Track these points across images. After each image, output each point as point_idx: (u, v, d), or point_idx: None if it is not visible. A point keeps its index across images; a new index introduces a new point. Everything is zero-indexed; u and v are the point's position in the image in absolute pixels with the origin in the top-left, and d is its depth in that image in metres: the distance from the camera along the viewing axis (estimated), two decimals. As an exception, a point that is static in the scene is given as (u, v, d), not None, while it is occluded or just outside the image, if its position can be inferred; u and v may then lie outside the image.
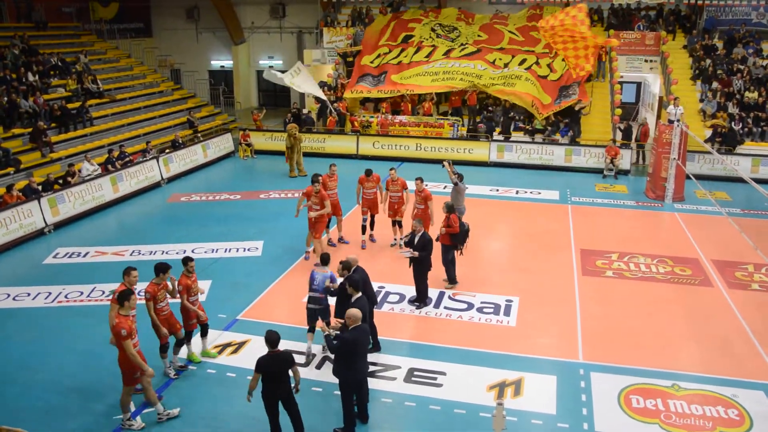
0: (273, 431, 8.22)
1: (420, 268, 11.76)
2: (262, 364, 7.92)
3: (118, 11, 33.65)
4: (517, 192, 20.01)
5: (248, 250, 14.83)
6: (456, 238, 12.48)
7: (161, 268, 9.52)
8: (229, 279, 13.05)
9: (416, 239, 11.72)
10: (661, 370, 10.06)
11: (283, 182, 21.49)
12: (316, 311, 10.07)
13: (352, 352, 8.17)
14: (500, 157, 23.52)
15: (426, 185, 14.33)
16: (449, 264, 12.60)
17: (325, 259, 9.88)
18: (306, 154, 24.54)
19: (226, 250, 14.83)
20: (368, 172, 15.05)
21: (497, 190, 20.17)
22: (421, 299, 11.97)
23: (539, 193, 19.84)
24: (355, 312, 8.31)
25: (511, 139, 24.07)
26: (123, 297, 8.60)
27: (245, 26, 35.30)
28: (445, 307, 12.01)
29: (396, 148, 24.63)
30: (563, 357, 10.43)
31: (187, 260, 9.67)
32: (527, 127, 24.70)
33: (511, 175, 22.17)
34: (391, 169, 15.05)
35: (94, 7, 32.77)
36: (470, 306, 12.06)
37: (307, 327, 10.25)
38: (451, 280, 12.68)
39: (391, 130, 25.19)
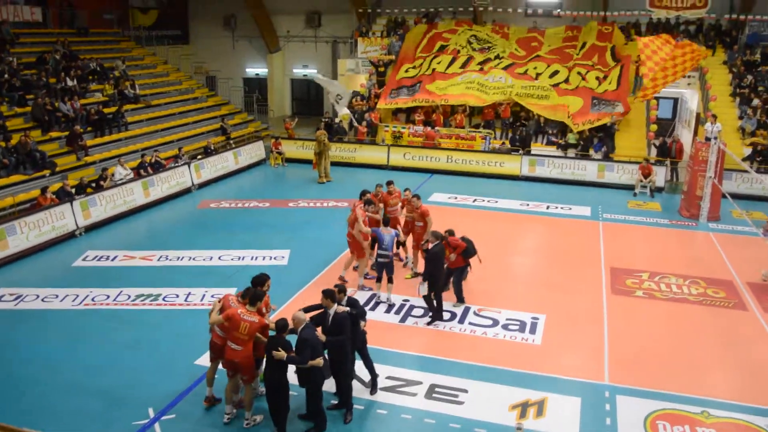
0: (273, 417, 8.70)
1: (430, 282, 11.64)
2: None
3: (157, 18, 34.27)
4: (547, 207, 19.78)
5: (274, 258, 14.78)
6: (468, 253, 12.36)
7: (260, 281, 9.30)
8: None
9: (430, 250, 11.64)
10: (691, 396, 9.74)
11: (312, 190, 21.51)
12: (383, 264, 12.27)
13: (316, 346, 8.41)
14: (532, 171, 23.29)
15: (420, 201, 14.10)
16: (459, 285, 12.51)
17: (281, 326, 8.63)
18: (336, 164, 24.60)
19: (252, 258, 14.77)
20: (389, 185, 14.72)
21: (527, 205, 19.95)
22: (437, 316, 11.83)
23: (570, 209, 19.59)
24: (297, 314, 8.61)
25: (543, 153, 23.79)
26: (257, 298, 8.84)
27: (281, 35, 35.65)
28: (470, 323, 11.85)
29: (426, 160, 24.54)
30: (589, 378, 10.18)
31: (265, 278, 9.49)
32: (560, 141, 24.40)
33: (543, 190, 21.96)
34: (388, 183, 14.72)
35: (134, 14, 33.42)
36: (495, 322, 11.88)
37: (377, 277, 12.49)
38: (461, 299, 12.57)
39: (440, 143, 25.13)
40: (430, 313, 11.89)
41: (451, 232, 12.25)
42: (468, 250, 12.34)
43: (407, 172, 24.26)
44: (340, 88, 26.37)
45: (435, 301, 11.73)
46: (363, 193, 13.75)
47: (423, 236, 13.52)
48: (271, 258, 14.88)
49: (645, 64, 20.20)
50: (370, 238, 13.05)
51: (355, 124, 26.41)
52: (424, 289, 11.56)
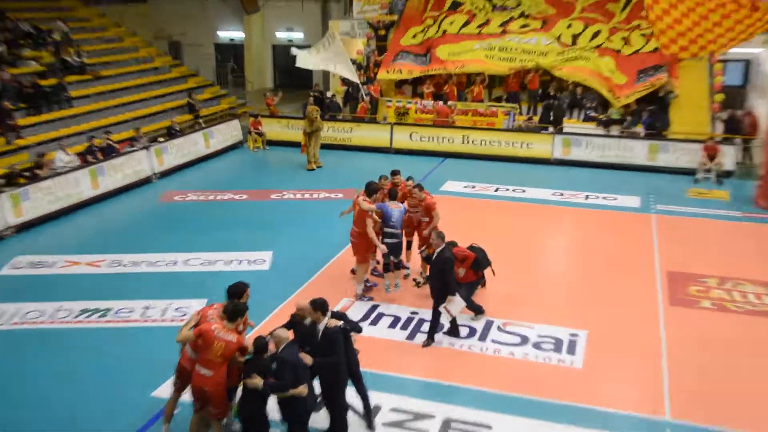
0: None
1: (440, 293, 11.43)
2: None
3: (109, -29, 33.99)
4: (586, 197, 19.63)
5: (254, 262, 14.74)
6: (478, 265, 12.30)
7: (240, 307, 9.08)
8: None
9: (434, 256, 11.41)
10: (774, 434, 9.47)
11: (299, 179, 21.40)
12: (391, 246, 12.77)
13: (298, 369, 8.28)
14: (566, 153, 23.18)
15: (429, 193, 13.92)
16: (470, 300, 12.35)
17: (260, 347, 8.49)
18: (328, 147, 24.51)
19: (226, 262, 14.75)
20: (394, 175, 14.36)
21: (561, 195, 19.82)
22: (431, 336, 11.68)
23: (615, 199, 19.44)
24: (279, 332, 8.51)
25: (580, 132, 23.65)
26: (238, 312, 8.67)
27: (260, -9, 35.45)
28: (494, 341, 11.63)
29: (438, 141, 24.47)
30: (644, 412, 9.90)
31: (243, 287, 9.27)
32: (601, 116, 24.19)
33: (580, 176, 21.80)
34: (393, 174, 14.39)
35: (80, -33, 33.16)
36: (524, 340, 11.68)
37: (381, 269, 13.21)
38: (478, 311, 12.42)
39: (454, 120, 24.99)
40: (448, 330, 11.74)
41: (453, 244, 12.12)
42: (479, 261, 12.30)
43: (414, 156, 24.12)
44: (342, 62, 25.75)
45: (432, 319, 11.58)
46: (369, 186, 13.39)
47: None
48: (249, 262, 14.75)
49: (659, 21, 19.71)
50: (377, 223, 12.98)
51: (364, 95, 26.24)
52: (457, 306, 11.32)
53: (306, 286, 13.56)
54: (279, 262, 14.82)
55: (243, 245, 15.72)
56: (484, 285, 12.87)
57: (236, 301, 8.89)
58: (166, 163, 22.03)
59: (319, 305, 8.86)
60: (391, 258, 13.05)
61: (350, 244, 13.44)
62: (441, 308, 11.30)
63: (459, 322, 12.00)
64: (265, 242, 15.92)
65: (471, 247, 12.41)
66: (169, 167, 22.11)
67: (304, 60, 25.20)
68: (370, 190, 13.18)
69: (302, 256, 15.06)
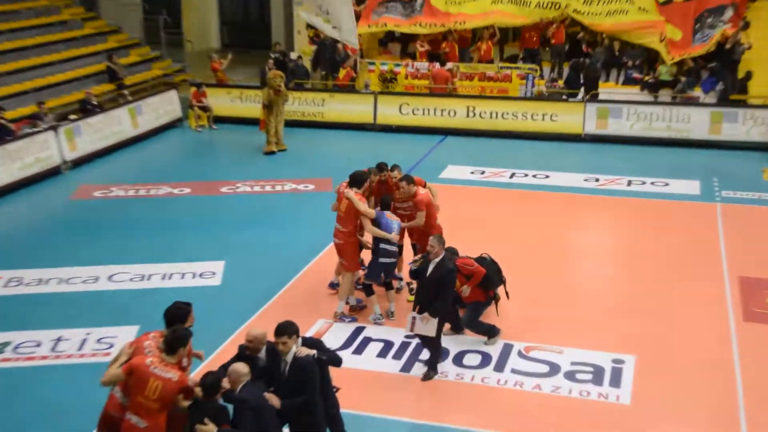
0: None
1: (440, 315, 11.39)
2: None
3: None
4: (629, 183, 19.77)
5: (200, 276, 14.82)
6: (489, 283, 12.22)
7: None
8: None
9: (430, 268, 11.30)
10: None
11: (257, 167, 21.40)
12: (389, 266, 13.06)
13: (263, 412, 8.18)
14: (602, 127, 23.36)
15: (424, 186, 13.79)
16: (476, 323, 12.38)
17: (211, 386, 8.85)
18: (295, 123, 24.51)
19: (164, 276, 14.81)
20: (381, 171, 14.29)
21: (596, 180, 19.97)
22: (433, 366, 11.65)
23: (666, 185, 19.59)
24: (236, 367, 8.39)
25: (619, 99, 23.76)
26: (179, 341, 8.45)
27: None
28: (514, 371, 11.65)
29: (435, 114, 24.56)
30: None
31: (186, 309, 9.13)
32: (647, 77, 24.25)
33: (620, 156, 21.95)
34: (380, 168, 14.22)
35: None
36: (554, 368, 11.70)
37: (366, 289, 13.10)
38: (491, 332, 12.45)
39: (456, 87, 25.03)
40: (429, 361, 11.70)
41: (454, 252, 12.11)
42: (489, 278, 12.21)
43: (405, 134, 24.14)
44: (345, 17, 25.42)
45: (431, 344, 11.59)
46: (356, 177, 13.28)
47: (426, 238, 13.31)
48: (194, 275, 14.81)
49: None
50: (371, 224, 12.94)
51: (342, 55, 26.24)
52: (426, 326, 11.22)
53: (268, 306, 13.53)
54: (233, 275, 14.80)
55: (186, 254, 15.73)
56: (497, 302, 12.79)
57: (177, 326, 8.78)
58: (80, 149, 21.98)
59: (285, 329, 8.75)
60: (382, 277, 13.16)
61: (333, 247, 13.44)
62: (409, 316, 11.36)
63: (467, 347, 12.05)
64: (214, 249, 15.93)
65: (480, 259, 12.34)
66: (84, 154, 22.06)
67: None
68: (358, 181, 13.12)
69: (263, 267, 15.05)
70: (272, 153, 22.33)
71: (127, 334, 12.16)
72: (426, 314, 11.21)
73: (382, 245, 12.82)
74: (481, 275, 12.04)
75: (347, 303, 13.41)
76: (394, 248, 12.93)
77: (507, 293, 12.68)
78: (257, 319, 13.04)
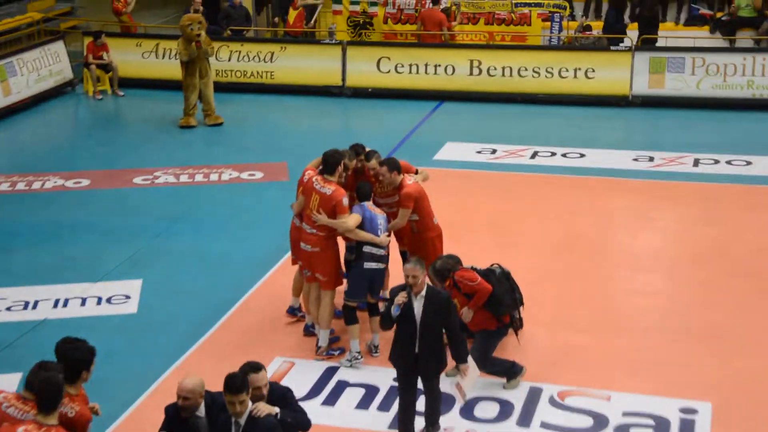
0: None
1: (434, 360, 11.42)
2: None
3: None
4: (696, 163, 19.88)
5: (108, 302, 14.76)
6: (498, 305, 12.14)
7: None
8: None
9: (417, 307, 11.27)
10: None
11: (182, 147, 21.53)
12: (371, 274, 12.85)
13: None
14: (657, 85, 23.52)
15: (416, 173, 13.79)
16: (489, 359, 12.30)
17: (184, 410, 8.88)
18: (232, 88, 24.67)
19: (57, 303, 14.71)
20: (357, 156, 14.22)
21: (650, 159, 20.11)
22: (432, 420, 11.65)
23: (749, 164, 19.72)
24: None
25: (680, 46, 23.94)
26: (56, 395, 8.34)
27: None
28: (544, 425, 11.65)
29: (427, 72, 24.63)
30: None
31: (86, 354, 9.14)
32: (719, 15, 24.62)
33: (683, 125, 22.12)
34: (356, 151, 14.22)
35: None
36: (600, 421, 11.67)
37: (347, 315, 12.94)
38: (511, 371, 12.44)
39: (455, 34, 25.19)
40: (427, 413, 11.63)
41: (457, 261, 12.18)
42: (498, 298, 12.12)
43: (385, 99, 24.25)
44: None
45: (429, 396, 11.53)
46: (328, 158, 13.22)
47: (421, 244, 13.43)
48: (99, 301, 14.75)
49: None
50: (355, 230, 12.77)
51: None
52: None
53: (205, 341, 13.48)
54: (154, 300, 14.77)
55: (87, 271, 15.67)
56: (516, 330, 12.83)
57: (50, 373, 8.63)
58: None
59: (243, 385, 8.79)
60: (369, 296, 13.07)
61: (296, 259, 13.36)
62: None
63: (480, 392, 11.99)
64: (127, 264, 15.92)
65: (487, 272, 12.22)
66: None
67: None
68: (330, 163, 13.03)
69: (196, 287, 15.05)
70: (189, 127, 22.40)
71: (5, 385, 11.65)
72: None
73: (366, 247, 12.73)
74: (486, 294, 11.91)
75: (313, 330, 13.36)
76: (382, 251, 12.83)
77: (521, 319, 12.61)
78: (190, 359, 12.98)
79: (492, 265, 12.47)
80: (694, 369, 12.78)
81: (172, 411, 8.99)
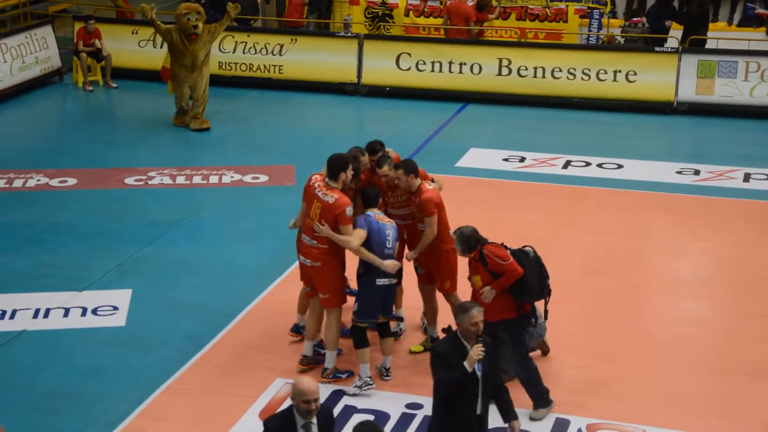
0: None
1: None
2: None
3: None
4: (747, 178, 19.84)
5: (94, 313, 14.81)
6: (524, 290, 12.12)
7: None
8: (41, 388, 12.74)
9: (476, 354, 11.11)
10: None
11: (180, 146, 21.69)
12: (382, 291, 12.64)
13: None
14: (705, 90, 23.52)
15: (432, 181, 13.73)
16: (526, 366, 12.28)
17: None
18: (238, 82, 24.92)
19: (37, 313, 14.74)
20: (373, 154, 14.14)
21: (696, 173, 20.10)
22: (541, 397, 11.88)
23: None
24: None
25: (733, 48, 23.91)
26: None
27: None
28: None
29: (449, 71, 24.72)
30: None
31: None
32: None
33: (733, 136, 22.13)
34: (372, 149, 14.20)
35: None
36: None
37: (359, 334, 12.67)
38: (542, 398, 12.36)
39: (483, 29, 25.13)
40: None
41: (479, 238, 12.10)
42: (527, 283, 12.10)
43: (406, 99, 24.31)
44: None
45: None
46: (333, 162, 13.13)
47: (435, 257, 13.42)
48: (84, 312, 14.77)
49: None
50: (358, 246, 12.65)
51: None
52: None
53: (200, 358, 13.45)
54: (145, 312, 14.83)
55: (72, 279, 15.70)
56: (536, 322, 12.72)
57: None
58: None
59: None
60: (380, 316, 12.99)
61: (302, 272, 13.24)
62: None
63: (498, 422, 11.97)
64: (115, 272, 15.97)
65: (520, 253, 12.14)
66: None
67: None
68: (333, 168, 12.98)
69: (191, 300, 15.09)
70: (181, 125, 22.51)
71: None
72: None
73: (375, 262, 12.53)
74: (516, 276, 11.85)
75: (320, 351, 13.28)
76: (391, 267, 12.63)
77: (546, 312, 12.52)
78: (182, 378, 12.97)
79: (524, 247, 12.32)
80: (739, 407, 12.72)
81: (280, 423, 9.04)
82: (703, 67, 23.51)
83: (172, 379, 13.00)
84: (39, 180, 19.78)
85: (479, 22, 25.18)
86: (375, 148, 13.60)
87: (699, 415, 12.51)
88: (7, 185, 19.56)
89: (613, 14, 25.65)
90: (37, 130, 23.36)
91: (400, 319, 14.19)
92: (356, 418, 12.16)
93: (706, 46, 24.12)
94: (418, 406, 12.47)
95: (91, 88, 25.44)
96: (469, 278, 12.16)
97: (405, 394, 12.75)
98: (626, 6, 26.09)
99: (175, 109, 22.73)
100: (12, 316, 14.57)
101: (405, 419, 12.28)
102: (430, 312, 13.85)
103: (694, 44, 24.04)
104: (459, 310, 9.87)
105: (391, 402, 12.63)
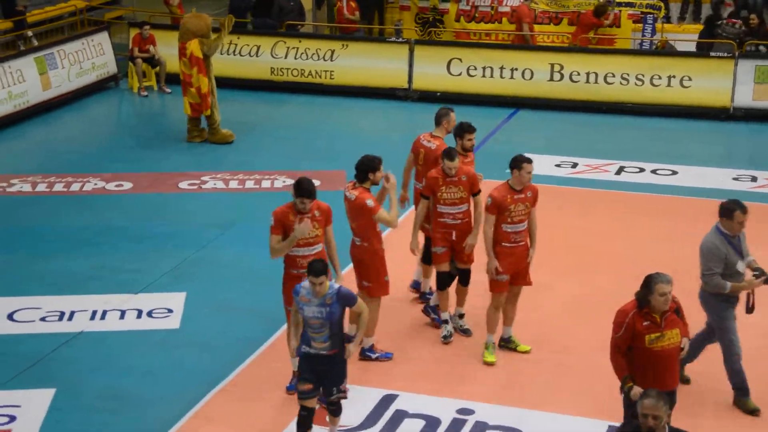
0: None
1: None
2: None
3: None
4: None
5: (151, 314, 15.02)
6: None
7: None
8: (97, 388, 12.95)
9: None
10: None
11: (233, 150, 21.84)
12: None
13: None
14: (762, 97, 23.46)
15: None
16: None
17: None
18: (287, 88, 25.24)
19: (94, 314, 14.95)
20: (449, 154, 14.32)
21: (753, 180, 20.05)
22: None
23: None
24: None
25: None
26: None
27: None
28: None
29: (500, 76, 24.87)
30: None
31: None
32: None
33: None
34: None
35: None
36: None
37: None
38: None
39: (531, 36, 25.26)
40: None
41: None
42: None
43: (456, 104, 23.50)
44: None
45: None
46: (361, 165, 13.27)
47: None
48: (140, 314, 14.96)
49: None
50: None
51: None
52: None
53: (251, 363, 13.57)
54: (199, 314, 15.00)
55: (127, 281, 15.86)
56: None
57: None
58: None
59: None
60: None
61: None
62: None
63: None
64: (170, 275, 16.13)
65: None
66: None
67: None
68: (360, 170, 13.14)
69: (243, 302, 15.22)
70: (198, 141, 22.49)
71: (36, 401, 12.37)
72: None
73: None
74: None
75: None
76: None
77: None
78: (236, 381, 13.10)
79: None
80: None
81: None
82: (761, 72, 23.48)
83: (225, 381, 13.12)
84: (96, 184, 19.97)
85: (594, 28, 25.34)
86: (464, 128, 14.40)
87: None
88: (65, 189, 19.75)
89: (667, 19, 25.51)
90: (93, 134, 23.59)
91: (445, 322, 14.28)
92: (407, 423, 12.37)
93: (763, 51, 24.14)
94: (469, 412, 12.55)
95: (145, 93, 25.73)
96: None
97: (455, 399, 12.84)
98: (680, 11, 26.02)
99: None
100: (70, 318, 14.79)
101: (456, 424, 12.34)
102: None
103: (750, 49, 24.14)
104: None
105: (441, 406, 12.69)
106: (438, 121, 14.70)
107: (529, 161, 13.23)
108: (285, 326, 14.16)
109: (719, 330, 12.49)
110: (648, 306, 10.15)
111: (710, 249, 12.16)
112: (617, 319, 10.51)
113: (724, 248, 12.11)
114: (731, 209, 11.95)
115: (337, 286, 11.11)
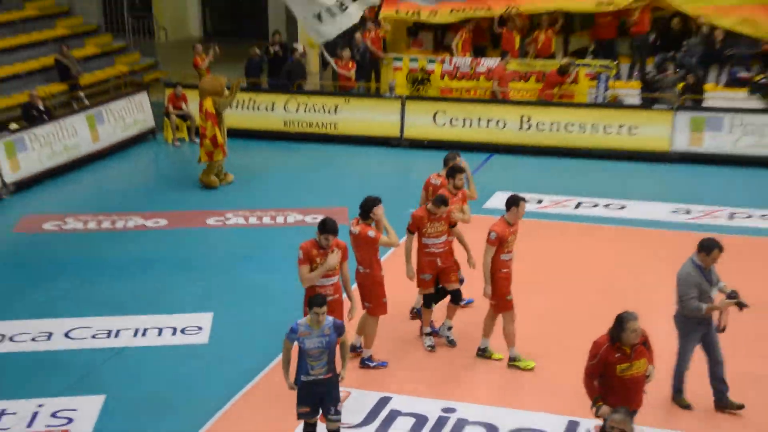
0: None
1: None
2: None
3: None
4: (731, 216, 19.85)
5: (183, 332, 15.14)
6: None
7: None
8: (140, 394, 13.10)
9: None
10: None
11: (252, 191, 21.87)
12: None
13: None
14: (696, 143, 23.63)
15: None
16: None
17: None
18: (298, 137, 25.35)
19: (136, 332, 15.10)
20: (444, 201, 14.37)
21: (687, 213, 20.16)
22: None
23: None
24: None
25: (721, 107, 23.96)
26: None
27: None
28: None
29: (478, 125, 24.99)
30: None
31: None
32: (757, 78, 24.50)
33: (720, 181, 22.14)
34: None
35: None
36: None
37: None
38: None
39: (504, 90, 25.36)
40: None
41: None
42: None
43: (441, 150, 23.45)
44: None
45: None
46: (364, 204, 13.52)
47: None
48: (174, 331, 15.12)
49: None
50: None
51: (328, 58, 26.71)
52: None
53: (269, 371, 13.65)
54: (224, 331, 15.09)
55: (163, 303, 16.01)
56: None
57: None
58: (23, 168, 22.13)
59: None
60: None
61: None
62: None
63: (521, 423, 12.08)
64: (199, 298, 16.23)
65: None
66: (29, 175, 22.24)
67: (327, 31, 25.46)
68: (363, 209, 13.46)
69: (263, 320, 15.29)
70: (210, 186, 22.25)
71: (89, 406, 12.55)
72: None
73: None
74: None
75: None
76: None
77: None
78: (255, 388, 13.26)
79: None
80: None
81: None
82: (694, 122, 23.63)
83: (247, 387, 13.29)
84: (136, 221, 20.10)
85: (558, 85, 25.39)
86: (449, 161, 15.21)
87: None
88: (111, 226, 19.88)
89: (618, 77, 25.80)
90: (135, 179, 23.75)
91: (433, 333, 14.54)
92: (400, 420, 12.48)
93: (703, 106, 24.28)
94: (450, 410, 12.66)
95: (178, 144, 25.88)
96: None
97: (442, 400, 12.95)
98: (629, 70, 26.19)
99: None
100: (116, 335, 15.00)
101: (441, 422, 12.42)
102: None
103: (687, 103, 24.22)
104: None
105: (430, 405, 12.78)
106: (446, 164, 15.18)
107: (525, 200, 13.53)
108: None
109: (680, 346, 12.62)
110: (620, 341, 10.26)
111: (686, 278, 12.31)
112: (592, 350, 10.52)
113: (699, 277, 12.22)
114: (711, 247, 12.15)
115: (331, 318, 11.19)
